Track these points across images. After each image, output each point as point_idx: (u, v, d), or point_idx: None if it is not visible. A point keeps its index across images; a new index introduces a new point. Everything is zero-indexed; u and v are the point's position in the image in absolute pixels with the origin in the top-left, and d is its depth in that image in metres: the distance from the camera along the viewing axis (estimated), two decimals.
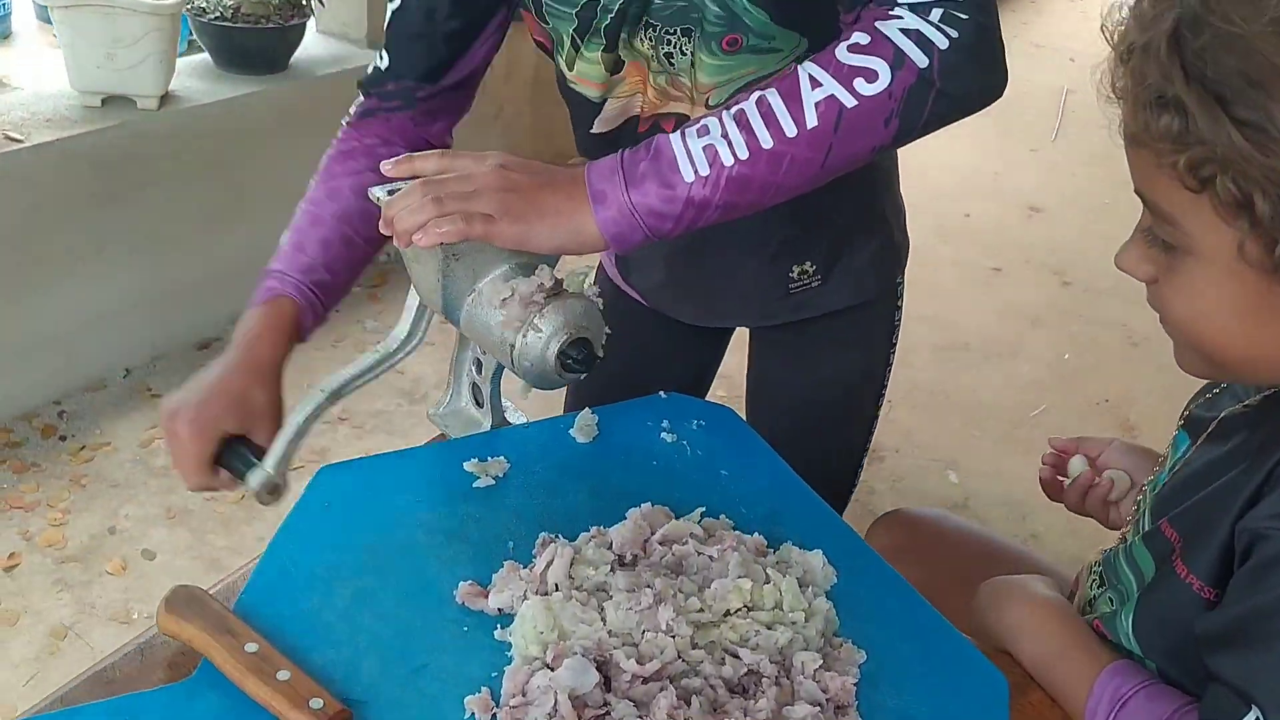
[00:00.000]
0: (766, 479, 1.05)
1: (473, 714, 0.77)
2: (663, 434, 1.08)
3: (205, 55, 2.78)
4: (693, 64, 1.07)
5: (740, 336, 1.46)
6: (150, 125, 2.49)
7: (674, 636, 0.81)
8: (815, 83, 0.86)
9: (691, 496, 0.99)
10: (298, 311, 1.07)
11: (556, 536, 0.91)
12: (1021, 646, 0.91)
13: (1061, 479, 1.13)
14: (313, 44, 2.97)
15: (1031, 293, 3.55)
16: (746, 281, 1.27)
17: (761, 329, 1.38)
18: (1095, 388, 3.07)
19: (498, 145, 3.46)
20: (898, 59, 0.86)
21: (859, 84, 0.86)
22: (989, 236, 3.87)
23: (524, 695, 0.77)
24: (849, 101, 0.86)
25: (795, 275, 1.25)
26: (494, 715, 0.77)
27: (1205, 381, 0.92)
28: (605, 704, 0.76)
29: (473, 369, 1.08)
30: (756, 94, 0.88)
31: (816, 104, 0.86)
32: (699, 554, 0.90)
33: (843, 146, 0.87)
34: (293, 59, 2.84)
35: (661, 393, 1.14)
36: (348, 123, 1.16)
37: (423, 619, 0.84)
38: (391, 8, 1.10)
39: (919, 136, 0.89)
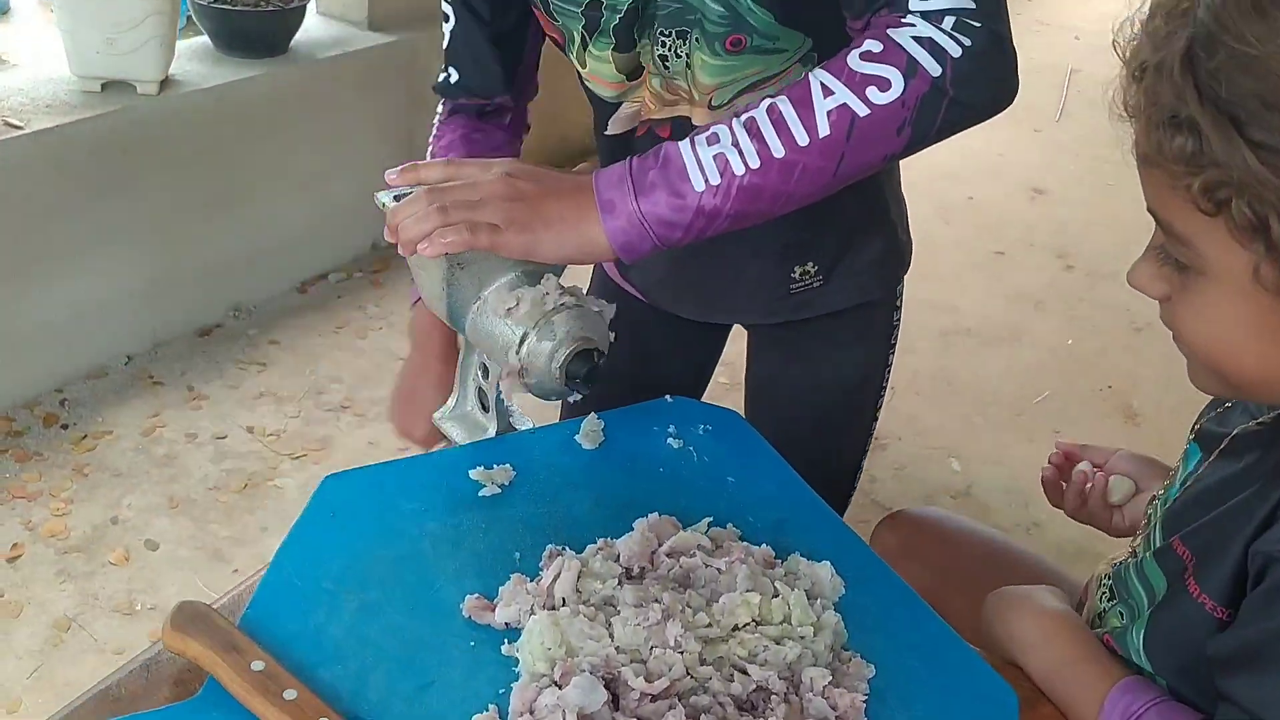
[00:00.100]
0: (773, 486, 1.04)
1: None
2: (669, 439, 1.07)
3: (204, 38, 2.76)
4: (688, 65, 1.06)
5: (740, 330, 1.45)
6: (150, 110, 2.48)
7: (682, 653, 0.81)
8: (827, 91, 0.85)
9: (698, 504, 0.98)
10: None
11: (563, 549, 0.90)
12: (1031, 659, 0.90)
13: (1063, 482, 1.13)
14: (313, 26, 2.95)
15: (1034, 276, 3.54)
16: (747, 280, 1.27)
17: (760, 327, 1.38)
18: (1098, 374, 3.06)
19: None
20: (910, 67, 0.85)
21: (871, 92, 0.85)
22: (992, 219, 3.86)
23: (531, 714, 0.77)
24: (861, 110, 0.85)
25: (797, 275, 1.24)
26: None
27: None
28: None
29: (478, 374, 1.07)
30: (767, 101, 0.87)
31: (829, 112, 0.85)
32: (707, 566, 0.90)
33: (855, 155, 0.86)
34: (293, 42, 2.83)
35: (668, 397, 1.13)
36: (438, 123, 1.26)
37: (429, 633, 0.84)
38: (448, 28, 1.19)
39: (931, 144, 0.89)
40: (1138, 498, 1.07)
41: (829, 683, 0.81)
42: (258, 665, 0.77)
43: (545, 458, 1.03)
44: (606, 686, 0.77)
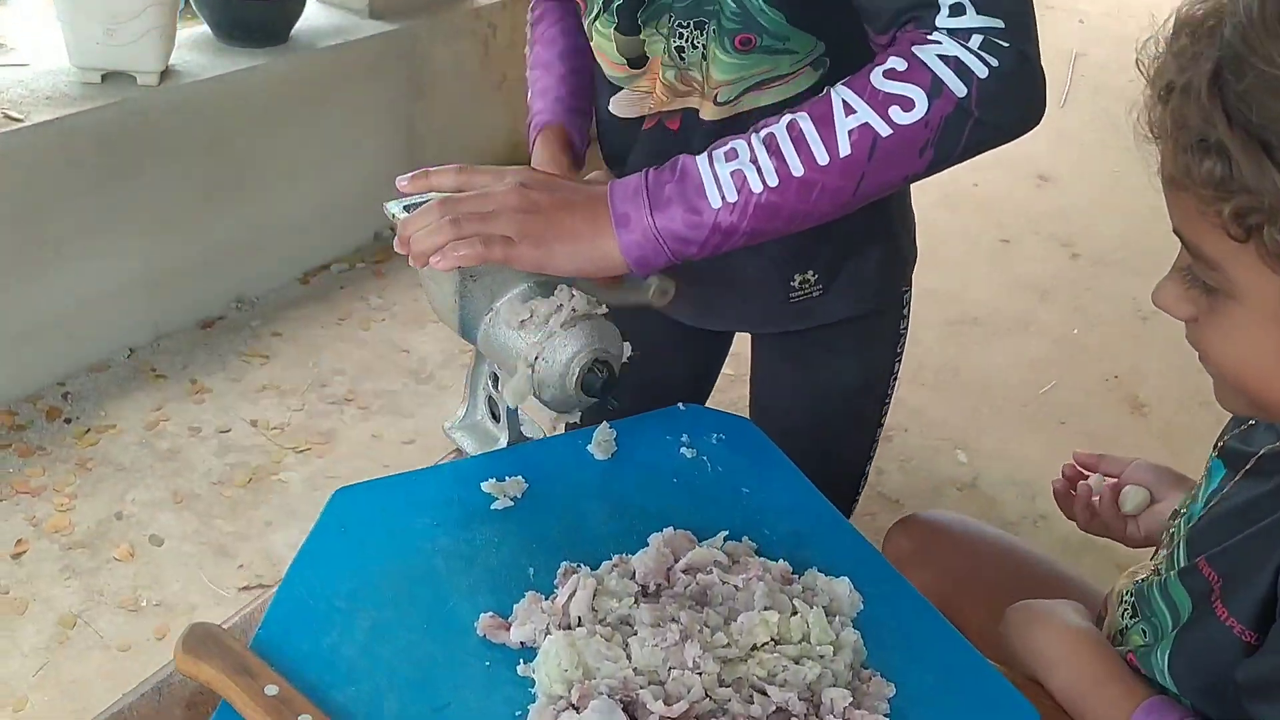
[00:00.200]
0: (787, 496, 1.03)
1: None
2: (682, 449, 1.06)
3: (204, 27, 2.74)
4: (704, 57, 1.04)
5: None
6: (151, 101, 2.46)
7: (700, 674, 0.80)
8: (849, 109, 0.84)
9: (713, 516, 0.97)
10: (566, 131, 1.18)
11: (579, 566, 0.89)
12: (1054, 677, 0.89)
13: (1074, 493, 1.12)
14: (313, 15, 2.93)
15: (1040, 265, 3.52)
16: (745, 287, 1.24)
17: (762, 334, 1.36)
18: (1104, 364, 3.05)
19: (500, 113, 3.44)
20: (935, 87, 0.83)
21: (894, 112, 0.83)
22: (997, 207, 3.84)
23: None
24: (884, 130, 0.83)
25: (796, 284, 1.22)
26: None
27: None
28: None
29: (489, 383, 1.06)
30: (788, 117, 0.86)
31: (850, 132, 0.83)
32: (724, 583, 0.89)
33: (875, 175, 0.84)
34: (294, 31, 2.80)
35: (680, 405, 1.12)
36: (531, 20, 1.28)
37: (444, 653, 0.83)
38: None
39: (954, 165, 0.87)
40: (1154, 508, 1.06)
41: (850, 703, 0.80)
42: (271, 690, 0.76)
43: (558, 469, 1.02)
44: (625, 709, 0.76)
